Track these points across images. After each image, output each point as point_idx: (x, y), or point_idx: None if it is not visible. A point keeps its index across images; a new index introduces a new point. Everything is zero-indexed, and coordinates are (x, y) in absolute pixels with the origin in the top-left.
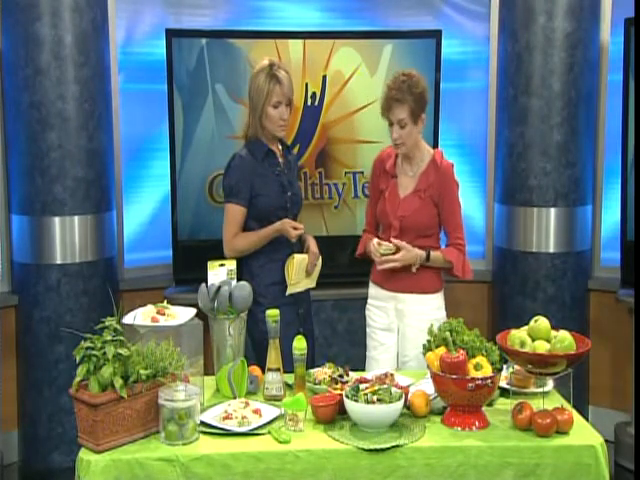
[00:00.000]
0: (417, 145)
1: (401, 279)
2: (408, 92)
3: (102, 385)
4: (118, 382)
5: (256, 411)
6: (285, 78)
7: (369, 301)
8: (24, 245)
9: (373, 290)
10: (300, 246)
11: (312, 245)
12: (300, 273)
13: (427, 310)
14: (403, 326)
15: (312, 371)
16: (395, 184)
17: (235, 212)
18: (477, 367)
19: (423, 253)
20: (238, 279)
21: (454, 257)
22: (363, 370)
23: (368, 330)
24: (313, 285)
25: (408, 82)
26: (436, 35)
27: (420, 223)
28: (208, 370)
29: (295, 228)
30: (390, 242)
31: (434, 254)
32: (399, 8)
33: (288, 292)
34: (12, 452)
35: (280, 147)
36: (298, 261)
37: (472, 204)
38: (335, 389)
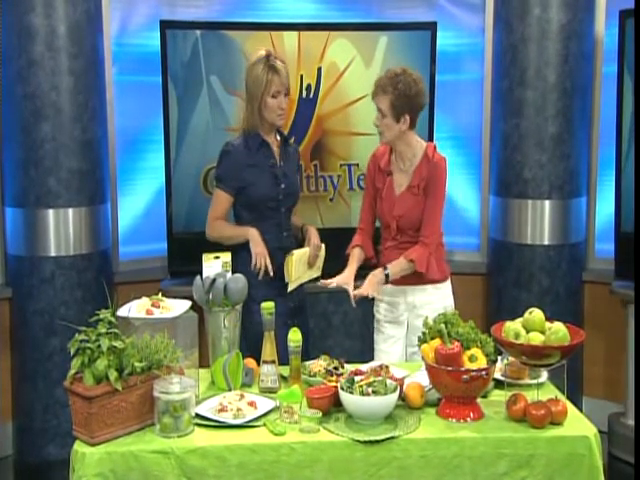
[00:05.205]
0: (404, 141)
1: (410, 274)
2: (392, 85)
3: (97, 378)
4: (113, 375)
5: (251, 403)
6: (282, 68)
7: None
8: (18, 237)
9: None
10: (295, 242)
11: (314, 237)
12: (300, 268)
13: (436, 299)
14: (413, 317)
15: (307, 363)
16: (391, 182)
17: (221, 197)
18: (472, 359)
19: (382, 276)
20: (233, 271)
21: (416, 255)
22: (358, 362)
23: (376, 324)
24: (319, 274)
25: (400, 77)
26: (431, 27)
27: (416, 220)
28: (203, 362)
29: (264, 264)
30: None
31: (391, 268)
32: (394, 0)
33: (289, 289)
34: (7, 444)
35: (278, 138)
36: (297, 257)
37: (467, 196)
38: (330, 381)
